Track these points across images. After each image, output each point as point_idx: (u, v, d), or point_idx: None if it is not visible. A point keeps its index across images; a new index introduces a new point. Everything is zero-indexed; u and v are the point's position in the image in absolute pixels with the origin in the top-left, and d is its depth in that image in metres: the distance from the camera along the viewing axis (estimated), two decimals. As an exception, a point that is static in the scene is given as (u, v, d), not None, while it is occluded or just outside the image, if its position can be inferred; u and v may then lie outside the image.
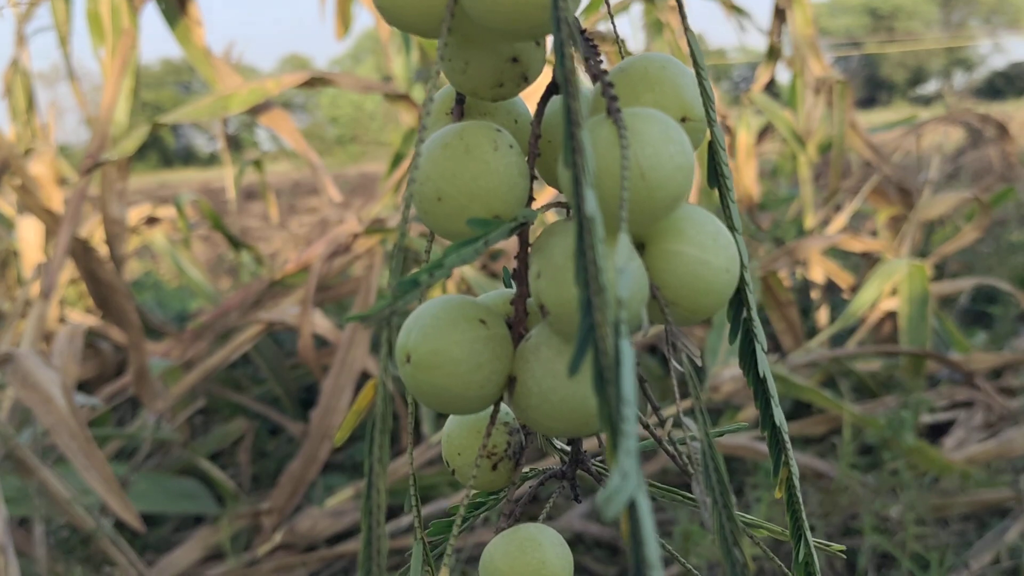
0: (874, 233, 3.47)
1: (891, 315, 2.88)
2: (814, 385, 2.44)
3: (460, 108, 0.37)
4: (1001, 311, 3.10)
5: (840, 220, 3.20)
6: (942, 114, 3.81)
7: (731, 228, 0.37)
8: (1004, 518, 2.12)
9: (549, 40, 0.34)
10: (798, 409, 2.67)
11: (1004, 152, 4.19)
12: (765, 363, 0.38)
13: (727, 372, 2.48)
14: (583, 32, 0.34)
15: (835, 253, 3.34)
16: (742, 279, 0.37)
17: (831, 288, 3.25)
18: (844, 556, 0.46)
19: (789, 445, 0.39)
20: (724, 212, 0.37)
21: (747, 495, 2.21)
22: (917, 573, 1.93)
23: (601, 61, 0.33)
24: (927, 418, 2.53)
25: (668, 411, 2.42)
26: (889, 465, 2.22)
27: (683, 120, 0.34)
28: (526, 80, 0.37)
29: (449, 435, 0.42)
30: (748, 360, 0.38)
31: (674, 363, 0.34)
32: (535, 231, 0.35)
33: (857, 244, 2.95)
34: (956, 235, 3.18)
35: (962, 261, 3.59)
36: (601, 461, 0.43)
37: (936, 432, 2.58)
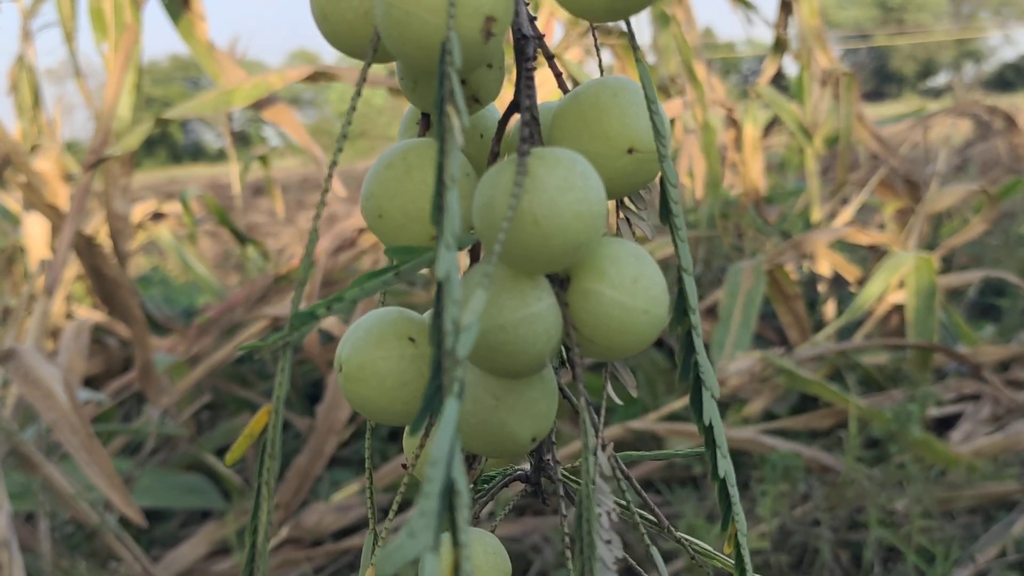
0: (881, 226, 3.45)
1: (898, 308, 2.87)
2: (820, 378, 2.43)
3: (425, 121, 0.38)
4: (1009, 304, 3.09)
5: (847, 213, 3.19)
6: (950, 106, 3.79)
7: (680, 269, 0.37)
8: (1011, 511, 2.11)
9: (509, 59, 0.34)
10: (804, 403, 2.66)
11: (1012, 144, 4.17)
12: (714, 410, 0.38)
13: (733, 366, 2.47)
14: (534, 45, 0.34)
15: (842, 246, 3.33)
16: (688, 320, 0.37)
17: (838, 281, 3.24)
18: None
19: (736, 499, 0.39)
20: (676, 251, 0.37)
21: (753, 489, 2.20)
22: (922, 567, 1.93)
23: (531, 95, 0.33)
24: (934, 411, 2.52)
25: (673, 405, 2.42)
26: (896, 458, 2.21)
27: (630, 151, 0.34)
28: (477, 102, 0.37)
29: (406, 439, 0.42)
30: (696, 405, 0.38)
31: (573, 398, 0.35)
32: None
33: (864, 237, 2.94)
34: (964, 228, 3.16)
35: (970, 254, 3.57)
36: (568, 470, 0.43)
37: (943, 425, 2.57)
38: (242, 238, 3.40)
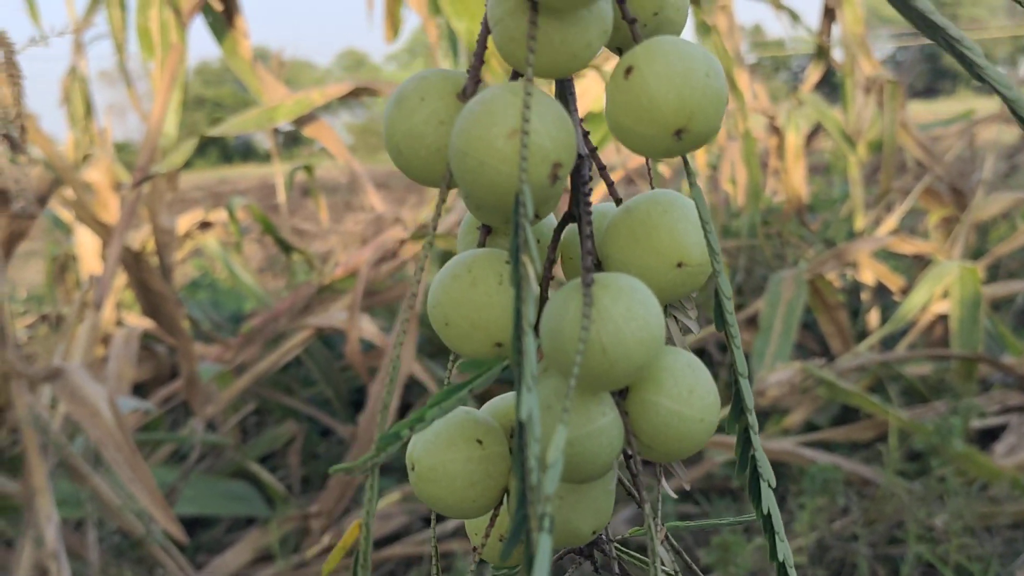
0: (926, 234, 3.42)
1: (942, 318, 2.84)
2: (862, 389, 2.41)
3: (486, 230, 0.40)
4: (1058, 313, 3.04)
5: (891, 222, 3.16)
6: (997, 112, 3.73)
7: (737, 373, 0.38)
8: (1055, 528, 2.09)
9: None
10: (846, 414, 2.65)
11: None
12: (771, 499, 0.39)
13: (773, 377, 2.46)
14: (589, 163, 0.36)
15: (885, 255, 3.30)
16: (745, 419, 0.39)
17: (881, 290, 3.21)
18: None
19: None
20: (732, 356, 0.38)
21: (790, 503, 2.19)
22: (962, 585, 1.91)
23: (590, 220, 0.35)
24: (977, 423, 2.49)
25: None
26: (937, 472, 2.19)
27: (679, 265, 0.36)
28: (537, 217, 0.39)
29: (469, 523, 0.44)
30: (755, 496, 0.40)
31: (635, 496, 0.37)
32: None
33: (908, 246, 2.91)
34: (1011, 236, 3.12)
35: (1017, 262, 3.52)
36: (620, 543, 0.45)
37: (987, 437, 2.53)
38: (286, 246, 3.45)
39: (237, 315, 3.99)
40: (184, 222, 3.49)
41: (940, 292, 2.74)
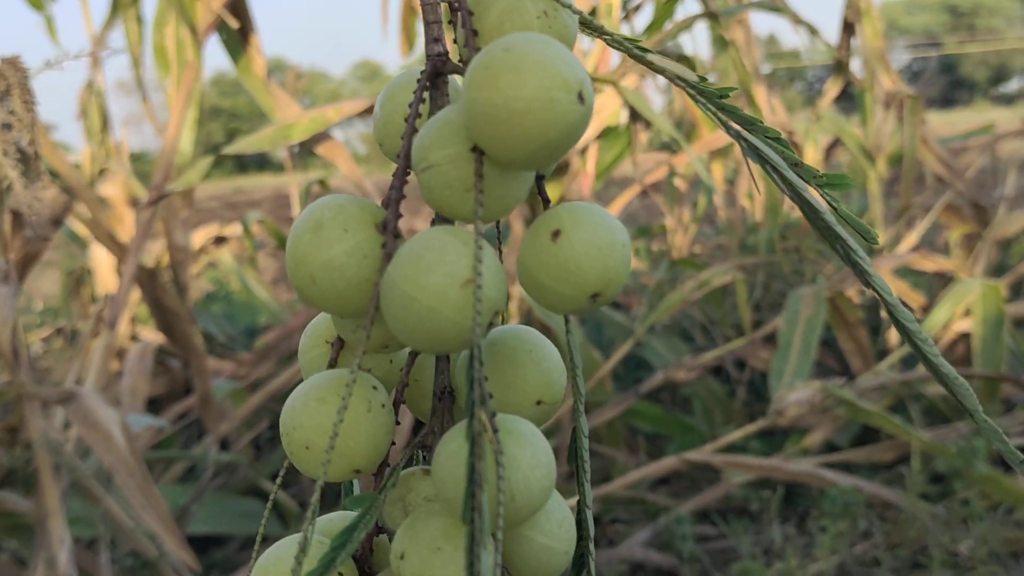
0: (947, 250, 3.38)
1: (964, 337, 2.80)
2: (882, 409, 2.38)
3: (340, 344, 0.40)
4: (1082, 331, 3.00)
5: (912, 238, 3.12)
6: (1019, 127, 3.69)
7: (583, 504, 0.40)
8: (1081, 554, 2.05)
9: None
10: (866, 434, 2.61)
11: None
12: None
13: (792, 396, 2.43)
14: None
15: (906, 272, 3.26)
16: (584, 545, 0.41)
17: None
18: None
19: None
20: (580, 491, 0.40)
21: (810, 526, 2.16)
22: (987, 613, 1.87)
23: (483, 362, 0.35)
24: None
25: (731, 436, 2.39)
26: (960, 495, 2.15)
27: (538, 403, 0.38)
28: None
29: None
30: None
31: None
32: (407, 478, 0.39)
33: (929, 264, 2.88)
34: (1034, 253, 3.08)
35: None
36: None
37: (1011, 459, 2.50)
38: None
39: (251, 328, 3.98)
40: (199, 237, 3.48)
41: (962, 310, 2.70)
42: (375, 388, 0.36)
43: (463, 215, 0.33)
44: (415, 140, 0.34)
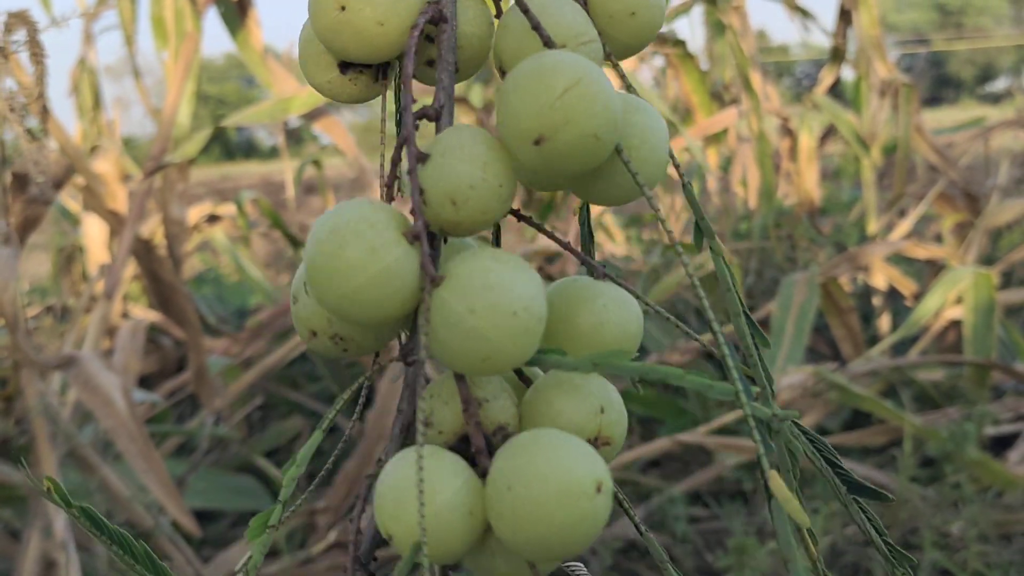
0: (939, 238, 3.40)
1: (955, 324, 2.82)
2: (874, 394, 2.39)
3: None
4: (1071, 321, 3.02)
5: (904, 226, 3.14)
6: (1012, 117, 3.71)
7: None
8: (1070, 536, 2.07)
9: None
10: (857, 418, 2.63)
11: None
12: None
13: (785, 380, 2.44)
14: None
15: (898, 259, 3.28)
16: None
17: (893, 295, 3.19)
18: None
19: None
20: None
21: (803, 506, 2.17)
22: (978, 592, 1.89)
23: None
24: (991, 430, 2.47)
25: (724, 418, 2.40)
26: (951, 478, 2.17)
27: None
28: None
29: None
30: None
31: None
32: None
33: (921, 251, 2.89)
34: (1025, 242, 3.10)
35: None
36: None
37: (1000, 445, 2.52)
38: (295, 241, 3.43)
39: (242, 310, 3.97)
40: (192, 214, 3.46)
41: (953, 297, 2.72)
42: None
43: None
44: None
